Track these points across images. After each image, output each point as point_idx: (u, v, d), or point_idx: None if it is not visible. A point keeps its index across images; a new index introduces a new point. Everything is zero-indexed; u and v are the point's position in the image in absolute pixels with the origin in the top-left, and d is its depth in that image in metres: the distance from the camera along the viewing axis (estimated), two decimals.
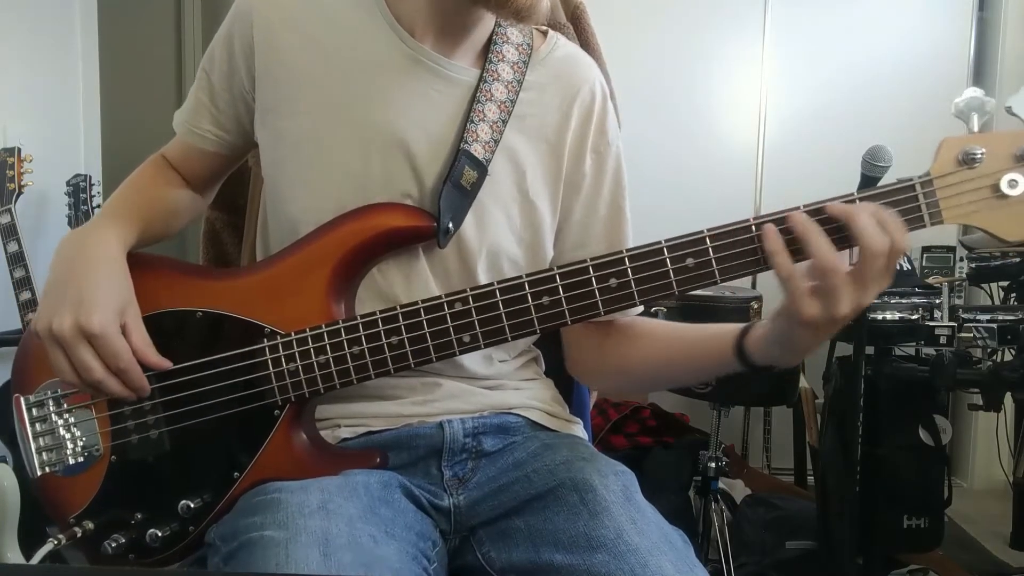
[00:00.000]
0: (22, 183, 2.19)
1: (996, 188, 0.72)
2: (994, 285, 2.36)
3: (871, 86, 2.99)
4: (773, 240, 0.72)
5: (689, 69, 3.09)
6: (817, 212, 0.72)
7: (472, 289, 0.79)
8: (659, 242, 0.76)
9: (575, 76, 0.94)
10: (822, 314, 0.70)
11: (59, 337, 0.78)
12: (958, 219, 0.73)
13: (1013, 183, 0.72)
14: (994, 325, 1.82)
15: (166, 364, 0.82)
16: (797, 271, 0.71)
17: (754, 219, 0.74)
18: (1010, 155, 0.72)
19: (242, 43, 0.89)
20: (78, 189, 2.31)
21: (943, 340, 1.91)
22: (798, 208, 0.73)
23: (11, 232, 2.13)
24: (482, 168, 0.86)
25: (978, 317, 1.87)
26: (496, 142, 0.87)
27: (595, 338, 0.96)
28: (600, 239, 0.95)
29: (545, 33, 0.97)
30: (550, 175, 0.93)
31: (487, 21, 0.90)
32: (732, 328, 0.83)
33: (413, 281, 0.87)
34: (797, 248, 0.72)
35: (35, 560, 0.83)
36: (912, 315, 1.95)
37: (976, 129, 0.74)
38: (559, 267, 0.78)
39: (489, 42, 0.91)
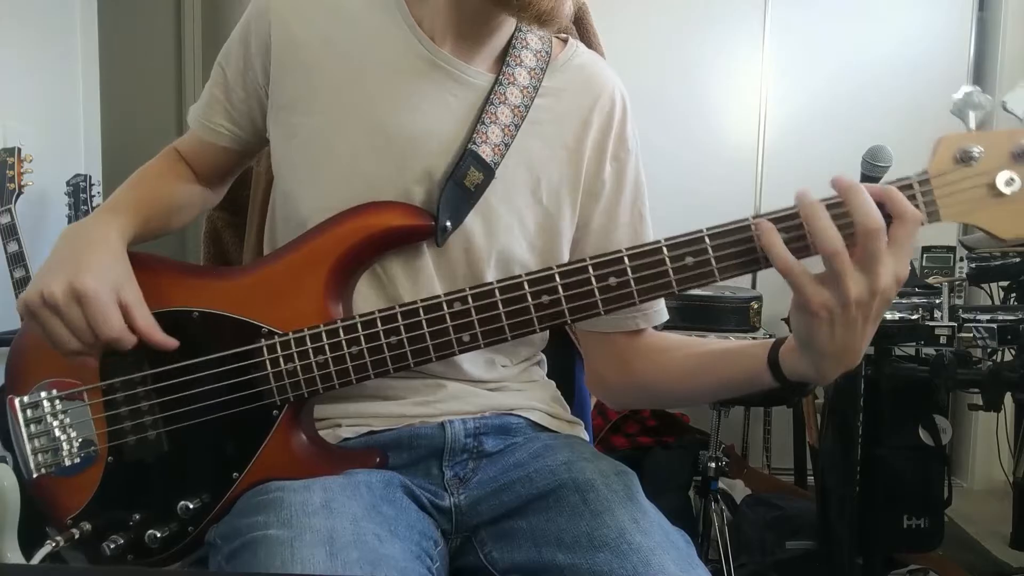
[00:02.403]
0: (22, 183, 2.19)
1: (993, 186, 0.72)
2: (994, 285, 2.36)
3: (871, 86, 2.99)
4: (768, 235, 0.71)
5: (689, 69, 3.10)
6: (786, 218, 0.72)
7: (471, 288, 0.78)
8: (658, 241, 0.76)
9: (594, 83, 0.94)
10: (831, 299, 0.68)
11: (49, 298, 0.77)
12: (955, 217, 0.72)
13: (1010, 181, 0.71)
14: (994, 325, 1.82)
15: (172, 343, 0.81)
16: (797, 264, 0.70)
17: (753, 218, 0.73)
18: (1007, 153, 0.71)
19: (259, 40, 0.89)
20: (78, 189, 2.31)
21: (943, 340, 1.90)
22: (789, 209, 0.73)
23: (11, 232, 2.13)
24: (488, 170, 0.86)
25: (978, 317, 1.87)
26: (507, 145, 0.87)
27: (618, 352, 0.95)
28: (622, 245, 0.94)
29: (565, 40, 0.97)
30: (568, 182, 0.92)
31: (507, 26, 0.90)
32: (765, 342, 0.81)
33: (419, 284, 0.87)
34: (795, 246, 0.72)
35: (34, 562, 0.83)
36: (912, 315, 1.95)
37: (973, 127, 0.74)
38: (558, 266, 0.77)
39: (508, 47, 0.90)
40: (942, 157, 0.72)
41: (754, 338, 2.06)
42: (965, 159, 0.72)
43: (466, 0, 0.84)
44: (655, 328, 0.96)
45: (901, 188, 0.72)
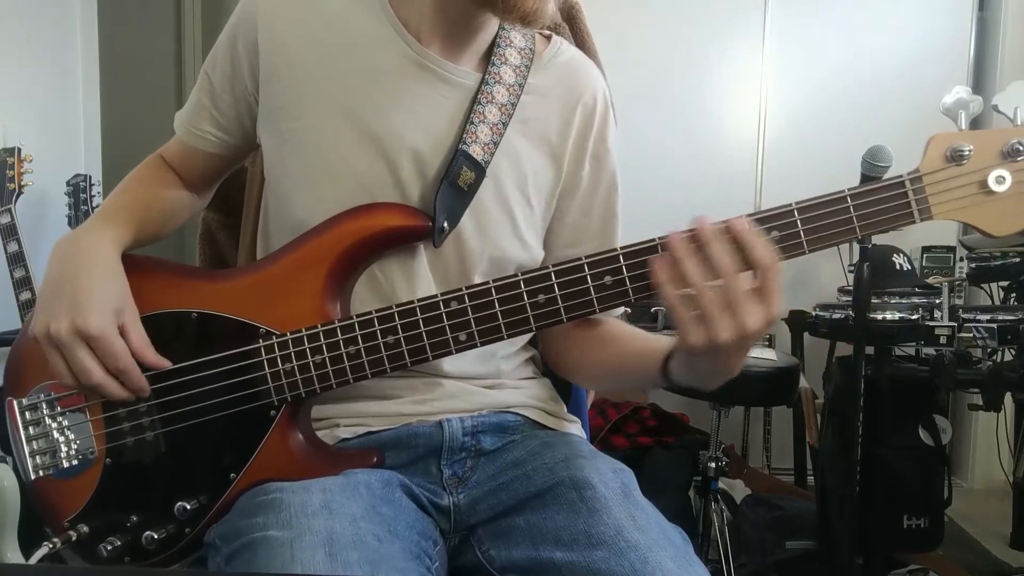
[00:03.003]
0: (22, 183, 2.20)
1: (984, 184, 0.73)
2: (994, 285, 2.36)
3: (871, 86, 3.00)
4: (660, 270, 0.72)
5: (690, 68, 3.10)
6: (691, 238, 0.72)
7: (468, 288, 0.79)
8: (653, 239, 0.76)
9: (578, 81, 0.95)
10: (704, 340, 0.70)
11: (57, 340, 0.78)
12: (947, 215, 0.74)
13: (1000, 179, 0.73)
14: (994, 325, 1.82)
15: (165, 364, 0.82)
16: (680, 300, 0.71)
17: (735, 222, 0.73)
18: (997, 152, 0.73)
19: (246, 45, 0.89)
20: (78, 189, 2.31)
21: (943, 340, 1.91)
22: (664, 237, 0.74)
23: (11, 232, 2.14)
24: (480, 169, 0.86)
25: (978, 317, 1.87)
26: (496, 144, 0.88)
27: (561, 339, 0.97)
28: (593, 239, 0.96)
29: (549, 37, 0.98)
30: (549, 177, 0.93)
31: (491, 25, 0.90)
32: (665, 348, 0.82)
33: (415, 283, 0.87)
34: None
35: (31, 561, 0.83)
36: (912, 315, 1.95)
37: (964, 127, 0.75)
38: (554, 265, 0.78)
39: (492, 45, 0.91)
40: (933, 156, 0.74)
41: None
42: (956, 158, 0.73)
43: (451, 1, 0.85)
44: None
45: (893, 186, 0.73)
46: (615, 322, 0.97)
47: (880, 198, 0.73)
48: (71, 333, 0.78)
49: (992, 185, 0.73)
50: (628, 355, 0.91)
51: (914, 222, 0.74)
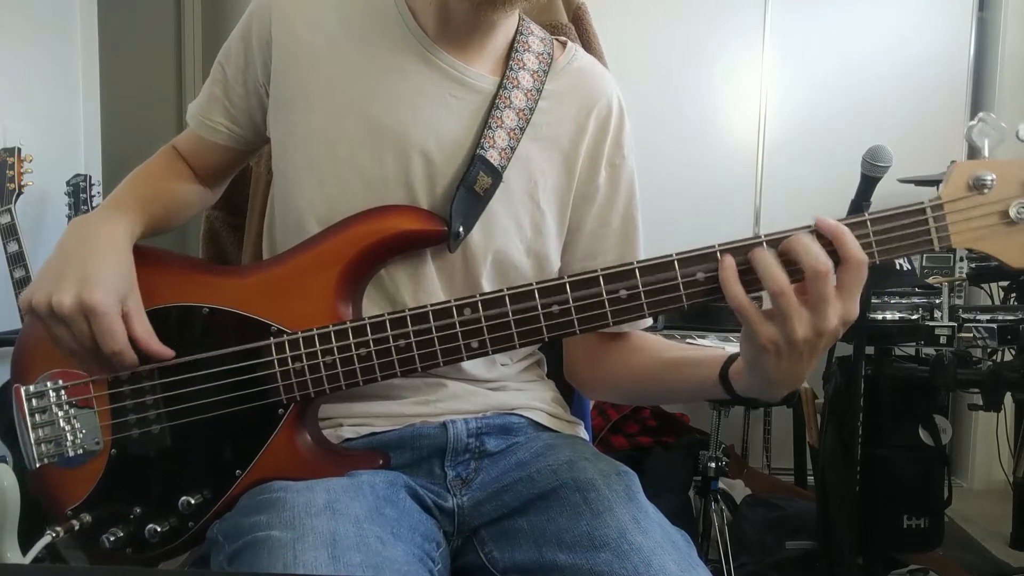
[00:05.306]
0: (22, 183, 2.19)
1: (1005, 215, 0.72)
2: (994, 285, 2.36)
3: (871, 86, 3.00)
4: (726, 269, 0.72)
5: (690, 69, 3.10)
6: (775, 243, 0.72)
7: (482, 295, 0.78)
8: (670, 255, 0.75)
9: (593, 88, 0.95)
10: (778, 336, 0.70)
11: (59, 310, 0.78)
12: (966, 243, 0.73)
13: (1022, 210, 0.72)
14: (994, 325, 1.82)
15: (168, 353, 0.82)
16: (748, 301, 0.71)
17: (765, 236, 0.73)
18: (1020, 182, 0.72)
19: (260, 37, 0.90)
20: (78, 189, 2.31)
21: (943, 340, 1.91)
22: (759, 238, 0.73)
23: (11, 232, 2.13)
24: (497, 174, 0.86)
25: (978, 317, 1.87)
26: (513, 149, 0.87)
27: (591, 348, 0.96)
28: (612, 250, 0.96)
29: (564, 44, 0.98)
30: (561, 184, 0.93)
31: (502, 28, 0.90)
32: (720, 355, 0.82)
33: (420, 284, 0.87)
34: (752, 276, 0.72)
35: (32, 552, 0.83)
36: (912, 315, 1.95)
37: (987, 154, 0.75)
38: (569, 276, 0.77)
39: (510, 51, 0.91)
40: (955, 183, 0.73)
41: None
42: (978, 186, 0.72)
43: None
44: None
45: (913, 212, 0.73)
46: (643, 333, 0.96)
47: (900, 224, 0.73)
48: (74, 305, 0.77)
49: (1014, 215, 0.72)
50: (669, 363, 0.90)
51: (933, 249, 0.73)
